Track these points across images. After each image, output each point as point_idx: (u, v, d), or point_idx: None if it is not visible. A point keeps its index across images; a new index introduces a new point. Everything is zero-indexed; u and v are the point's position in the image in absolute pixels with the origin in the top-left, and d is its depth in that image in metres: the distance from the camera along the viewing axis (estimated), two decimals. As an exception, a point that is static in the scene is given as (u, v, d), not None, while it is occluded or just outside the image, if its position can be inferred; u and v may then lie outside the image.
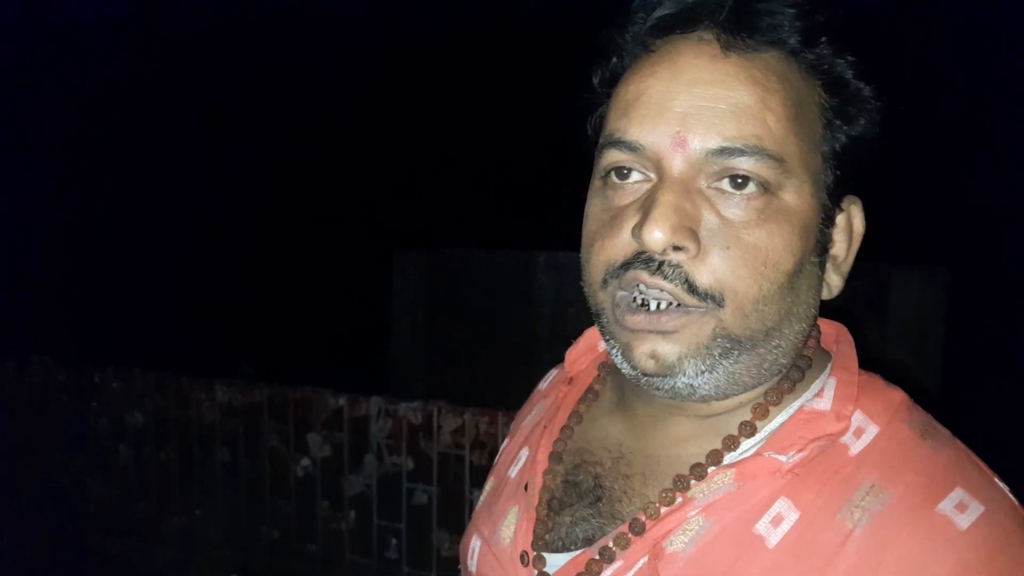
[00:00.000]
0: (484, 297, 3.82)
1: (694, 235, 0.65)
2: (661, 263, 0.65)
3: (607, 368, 0.89)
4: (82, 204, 6.46)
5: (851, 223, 0.75)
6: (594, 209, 0.73)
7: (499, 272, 3.83)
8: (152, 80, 6.59)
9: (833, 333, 0.80)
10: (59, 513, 3.44)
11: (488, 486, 0.95)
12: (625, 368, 0.70)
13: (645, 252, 0.66)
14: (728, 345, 0.67)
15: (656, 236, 0.63)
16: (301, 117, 6.93)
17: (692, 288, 0.65)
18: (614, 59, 0.75)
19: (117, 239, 6.41)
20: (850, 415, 0.70)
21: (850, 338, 0.79)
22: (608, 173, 0.71)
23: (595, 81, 0.78)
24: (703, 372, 0.67)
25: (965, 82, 5.58)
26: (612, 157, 0.70)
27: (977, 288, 4.74)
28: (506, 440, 0.99)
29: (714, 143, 0.65)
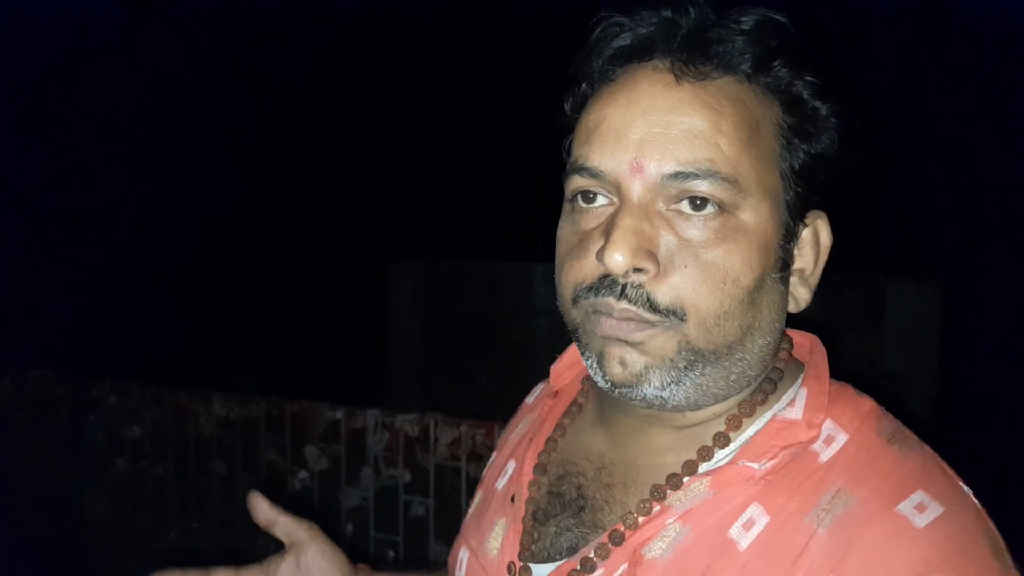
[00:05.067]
0: (481, 309, 3.82)
1: (653, 256, 0.68)
2: (624, 286, 0.69)
3: (590, 381, 0.91)
4: (78, 217, 6.46)
5: (818, 237, 0.77)
6: (564, 232, 0.77)
7: (496, 284, 3.83)
8: (143, 93, 6.60)
9: (806, 344, 0.83)
10: (56, 527, 3.43)
11: (476, 498, 0.97)
12: (599, 378, 0.73)
13: (610, 275, 0.69)
14: (692, 358, 0.70)
15: (617, 259, 0.67)
16: (297, 129, 6.95)
17: (654, 306, 0.68)
18: (583, 85, 0.78)
19: (115, 253, 6.41)
20: (821, 424, 0.72)
21: (823, 349, 0.81)
22: (575, 197, 0.75)
23: (566, 107, 0.81)
24: (669, 384, 0.71)
25: (960, 95, 5.62)
26: (576, 183, 0.74)
27: (972, 298, 4.76)
28: (494, 453, 1.01)
29: (669, 168, 0.68)
